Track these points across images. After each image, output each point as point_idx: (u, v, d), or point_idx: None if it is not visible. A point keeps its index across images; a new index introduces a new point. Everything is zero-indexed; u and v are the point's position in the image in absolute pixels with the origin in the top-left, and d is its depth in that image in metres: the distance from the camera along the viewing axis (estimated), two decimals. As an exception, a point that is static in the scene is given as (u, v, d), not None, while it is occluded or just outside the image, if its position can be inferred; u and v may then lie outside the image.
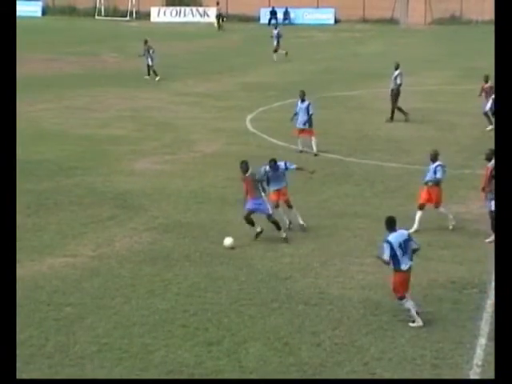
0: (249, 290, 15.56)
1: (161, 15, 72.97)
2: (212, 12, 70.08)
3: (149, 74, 41.28)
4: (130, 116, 32.52)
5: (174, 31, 64.28)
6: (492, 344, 12.49)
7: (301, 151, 26.08)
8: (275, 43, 48.47)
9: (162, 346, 13.35)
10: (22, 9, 70.22)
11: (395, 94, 30.96)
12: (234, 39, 61.61)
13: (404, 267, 13.96)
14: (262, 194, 18.38)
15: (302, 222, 19.08)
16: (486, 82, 30.20)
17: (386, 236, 14.13)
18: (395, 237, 14.04)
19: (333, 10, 69.52)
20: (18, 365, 11.57)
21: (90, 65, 47.11)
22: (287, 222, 19.15)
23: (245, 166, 18.34)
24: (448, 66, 47.02)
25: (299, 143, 26.29)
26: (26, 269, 16.47)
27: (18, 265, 16.54)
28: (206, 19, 71.15)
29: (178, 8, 73.04)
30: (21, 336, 13.28)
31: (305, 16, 70.45)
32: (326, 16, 70.20)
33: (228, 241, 17.95)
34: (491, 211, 17.64)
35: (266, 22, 67.68)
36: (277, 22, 62.24)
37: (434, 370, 12.65)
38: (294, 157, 23.58)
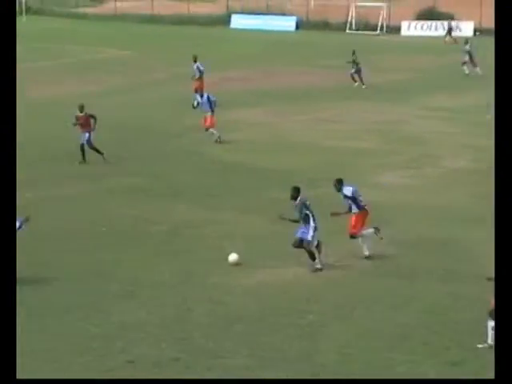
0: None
1: (411, 29, 72.54)
2: (466, 26, 68.78)
3: (355, 81, 42.26)
4: (377, 129, 32.56)
5: (424, 45, 63.69)
6: None
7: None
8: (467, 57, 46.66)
9: (405, 362, 13.27)
10: (277, 23, 72.50)
11: None
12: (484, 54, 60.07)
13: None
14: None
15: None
16: None
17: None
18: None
19: None
20: (255, 368, 11.77)
21: (339, 78, 47.71)
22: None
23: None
24: None
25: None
26: (274, 275, 16.99)
27: (266, 271, 17.18)
28: (457, 33, 69.90)
29: (429, 22, 72.35)
30: (262, 338, 13.68)
31: None
32: None
33: (232, 257, 17.48)
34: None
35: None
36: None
37: None
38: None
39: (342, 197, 18.17)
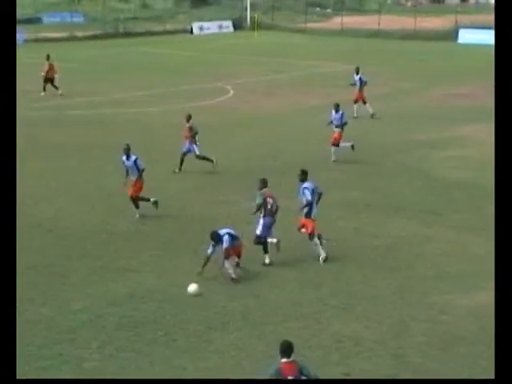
0: None
1: None
2: None
3: None
4: None
5: None
6: None
7: None
8: None
9: None
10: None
11: None
12: None
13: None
14: None
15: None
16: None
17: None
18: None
19: None
20: None
21: None
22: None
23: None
24: None
25: None
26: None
27: (487, 292, 16.62)
28: None
29: None
30: (483, 362, 13.28)
31: None
32: None
33: (192, 287, 16.69)
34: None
35: None
36: None
37: None
38: None
39: (301, 189, 18.84)
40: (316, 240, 18.78)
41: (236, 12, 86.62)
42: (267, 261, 18.62)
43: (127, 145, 22.05)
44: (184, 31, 78.50)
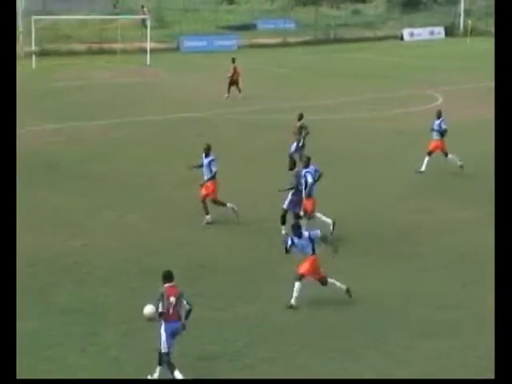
0: None
1: None
2: None
3: None
4: None
5: None
6: None
7: None
8: None
9: None
10: None
11: None
12: None
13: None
14: None
15: None
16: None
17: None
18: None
19: None
20: None
21: None
22: None
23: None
24: None
25: None
26: None
27: None
28: None
29: None
30: None
31: None
32: None
33: (148, 309, 13.61)
34: None
35: None
36: None
37: None
38: None
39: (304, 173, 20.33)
40: (317, 215, 20.42)
41: (448, 18, 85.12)
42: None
43: (207, 144, 21.92)
44: (394, 37, 78.00)
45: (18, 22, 54.16)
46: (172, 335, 13.51)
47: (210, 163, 21.61)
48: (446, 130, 27.12)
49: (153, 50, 55.37)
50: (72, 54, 57.41)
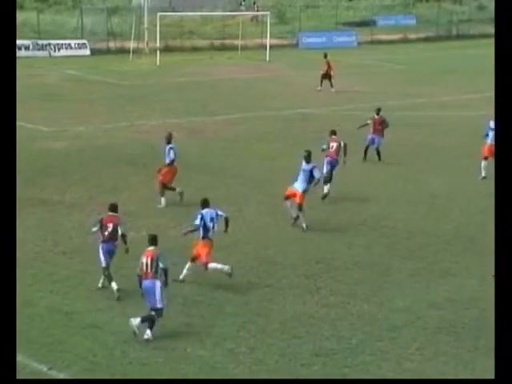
0: None
1: None
2: None
3: None
4: None
5: None
6: None
7: None
8: None
9: None
10: None
11: None
12: None
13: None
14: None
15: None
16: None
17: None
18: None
19: None
20: None
21: None
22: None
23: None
24: None
25: None
26: None
27: None
28: None
29: None
30: None
31: None
32: None
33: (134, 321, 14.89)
34: None
35: None
36: None
37: None
38: None
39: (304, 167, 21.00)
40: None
41: None
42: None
43: (168, 132, 22.94)
44: (519, 33, 76.17)
45: (144, 19, 55.58)
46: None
47: (169, 150, 22.83)
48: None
49: (273, 46, 55.70)
50: (194, 50, 58.37)
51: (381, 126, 27.77)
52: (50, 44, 54.10)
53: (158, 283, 15.21)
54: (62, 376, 13.42)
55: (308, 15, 72.69)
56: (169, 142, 23.10)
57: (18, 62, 52.99)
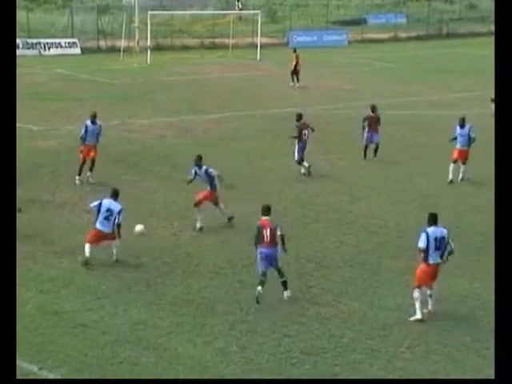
0: None
1: None
2: None
3: None
4: None
5: None
6: None
7: None
8: None
9: None
10: None
11: None
12: None
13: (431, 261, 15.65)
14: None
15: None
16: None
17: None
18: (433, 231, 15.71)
19: None
20: None
21: None
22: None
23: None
24: None
25: None
26: None
27: None
28: None
29: None
30: None
31: None
32: None
33: (138, 228, 18.35)
34: None
35: None
36: None
37: None
38: None
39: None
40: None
41: None
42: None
43: (198, 156, 21.26)
44: (509, 32, 76.37)
45: (134, 18, 55.50)
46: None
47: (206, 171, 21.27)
48: (474, 139, 25.88)
49: (263, 45, 55.70)
50: (185, 48, 58.32)
51: (378, 123, 27.87)
52: (40, 43, 53.99)
53: (278, 248, 16.55)
54: (52, 376, 13.38)
55: (299, 14, 72.75)
56: (94, 121, 24.17)
57: (8, 61, 52.76)
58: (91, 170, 24.41)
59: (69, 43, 55.08)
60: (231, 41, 57.81)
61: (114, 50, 54.24)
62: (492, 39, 64.04)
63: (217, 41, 60.40)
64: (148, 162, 26.73)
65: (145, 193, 23.77)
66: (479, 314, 16.26)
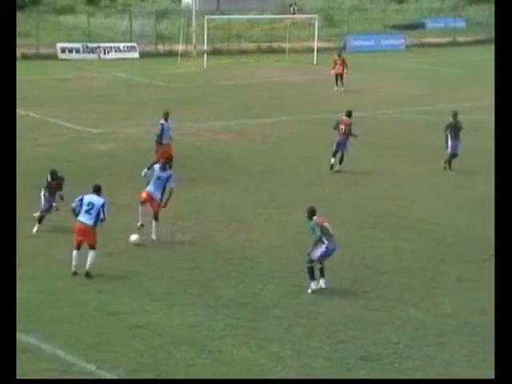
0: None
1: None
2: None
3: None
4: None
5: None
6: None
7: None
8: None
9: None
10: None
11: None
12: None
13: None
14: None
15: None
16: None
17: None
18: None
19: None
20: None
21: None
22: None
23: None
24: None
25: None
26: None
27: None
28: None
29: None
30: None
31: None
32: None
33: (134, 237, 18.69)
34: None
35: None
36: None
37: None
38: None
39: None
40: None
41: None
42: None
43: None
44: None
45: (192, 22, 55.89)
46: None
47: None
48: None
49: (320, 49, 55.64)
50: (242, 52, 58.53)
51: (460, 130, 27.59)
52: (99, 47, 54.64)
53: None
54: (109, 376, 13.51)
55: (356, 18, 72.51)
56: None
57: (69, 65, 53.87)
58: (170, 167, 24.69)
59: (128, 47, 55.67)
60: (288, 45, 57.84)
61: (171, 54, 54.65)
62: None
63: (274, 45, 60.48)
64: (205, 166, 26.89)
65: (202, 196, 23.91)
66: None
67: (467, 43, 68.50)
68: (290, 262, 18.90)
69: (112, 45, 55.33)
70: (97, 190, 18.12)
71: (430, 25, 73.74)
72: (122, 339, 14.85)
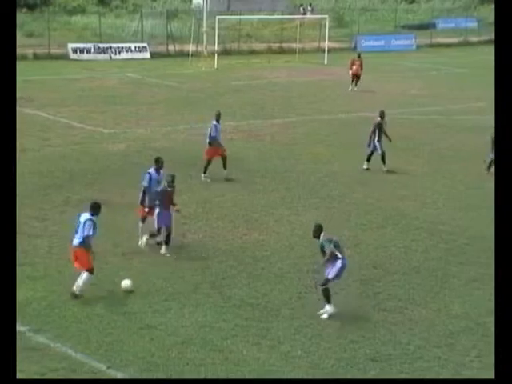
0: None
1: None
2: None
3: None
4: None
5: None
6: None
7: None
8: None
9: None
10: None
11: None
12: None
13: None
14: None
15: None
16: None
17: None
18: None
19: None
20: None
21: None
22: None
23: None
24: None
25: None
26: None
27: None
28: None
29: None
30: None
31: None
32: None
33: (126, 283, 16.79)
34: None
35: None
36: None
37: None
38: None
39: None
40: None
41: None
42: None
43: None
44: None
45: (202, 22, 55.94)
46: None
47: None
48: None
49: (330, 50, 55.62)
50: (252, 53, 58.56)
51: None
52: (110, 47, 54.76)
53: None
54: (119, 375, 13.55)
55: (366, 18, 72.48)
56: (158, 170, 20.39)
57: (80, 65, 53.93)
58: (225, 167, 25.39)
59: (138, 47, 55.76)
60: (298, 45, 57.83)
61: (182, 54, 54.73)
62: None
63: (284, 45, 60.51)
64: (216, 166, 26.85)
65: (213, 196, 23.94)
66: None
67: (479, 43, 68.32)
68: (300, 262, 18.91)
69: (123, 45, 55.43)
70: (91, 209, 16.81)
71: (441, 25, 73.65)
72: (133, 339, 14.88)
